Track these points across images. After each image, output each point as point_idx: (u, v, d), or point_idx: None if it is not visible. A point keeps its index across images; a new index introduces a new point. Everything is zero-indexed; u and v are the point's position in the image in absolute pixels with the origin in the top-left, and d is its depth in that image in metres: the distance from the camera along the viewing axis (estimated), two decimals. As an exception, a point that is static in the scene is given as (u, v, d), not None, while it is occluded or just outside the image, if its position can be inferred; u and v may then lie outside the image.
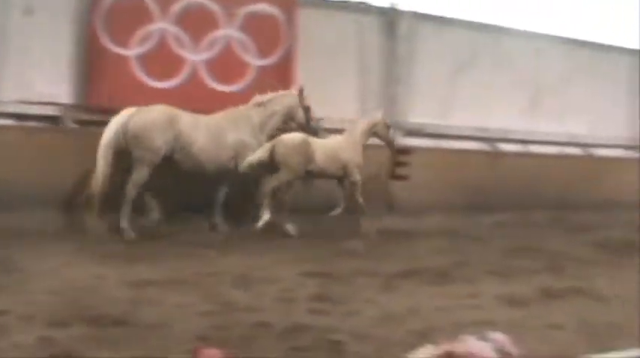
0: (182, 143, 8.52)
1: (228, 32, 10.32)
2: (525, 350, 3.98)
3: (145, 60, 9.77)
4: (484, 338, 3.56)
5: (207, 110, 9.02)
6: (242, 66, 10.36)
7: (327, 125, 9.84)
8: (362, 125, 9.82)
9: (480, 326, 4.59)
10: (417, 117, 11.86)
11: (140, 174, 8.30)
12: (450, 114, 10.87)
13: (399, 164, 10.90)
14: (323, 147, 9.27)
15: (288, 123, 9.59)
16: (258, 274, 6.65)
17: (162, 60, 9.87)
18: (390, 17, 12.09)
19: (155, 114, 8.45)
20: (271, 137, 9.22)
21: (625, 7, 14.83)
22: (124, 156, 8.39)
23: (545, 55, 13.95)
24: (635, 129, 15.61)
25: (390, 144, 10.12)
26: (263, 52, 10.49)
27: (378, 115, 10.05)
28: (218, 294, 5.84)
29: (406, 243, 9.09)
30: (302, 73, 10.63)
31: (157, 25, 9.86)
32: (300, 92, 9.49)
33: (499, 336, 3.60)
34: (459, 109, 11.03)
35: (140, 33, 9.76)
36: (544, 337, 5.14)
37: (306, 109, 9.48)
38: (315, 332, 4.89)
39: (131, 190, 8.27)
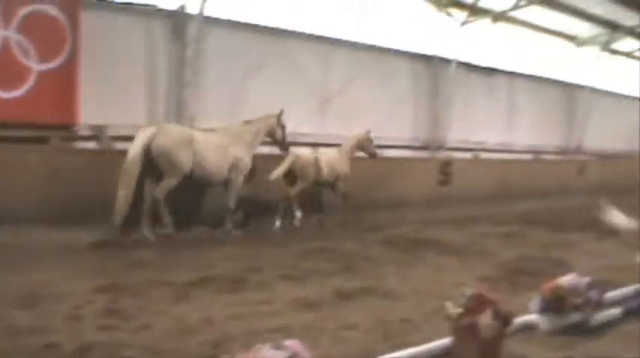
0: (199, 159, 9.84)
1: (5, 34, 9.77)
2: (320, 353, 4.23)
3: None
4: (278, 347, 3.76)
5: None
6: (22, 70, 9.87)
7: (120, 132, 9.87)
8: (351, 141, 12.38)
9: (275, 333, 4.82)
10: (207, 121, 11.87)
11: (167, 184, 9.56)
12: (239, 118, 11.02)
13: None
14: (326, 161, 11.57)
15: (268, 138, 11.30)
16: (45, 292, 6.39)
17: None
18: (179, 20, 12.08)
19: (176, 134, 9.69)
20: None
21: (410, 13, 15.97)
22: (147, 169, 9.43)
23: (332, 58, 14.58)
24: (419, 130, 16.77)
25: (372, 155, 12.80)
26: (45, 56, 10.06)
27: (362, 132, 12.52)
28: (1, 317, 5.55)
29: (199, 251, 9.05)
30: (87, 77, 10.34)
31: None
32: (280, 114, 11.26)
33: (293, 343, 3.82)
34: (248, 113, 11.22)
35: None
36: (339, 338, 5.39)
37: (283, 128, 11.39)
38: (105, 350, 4.84)
39: (160, 197, 9.50)
